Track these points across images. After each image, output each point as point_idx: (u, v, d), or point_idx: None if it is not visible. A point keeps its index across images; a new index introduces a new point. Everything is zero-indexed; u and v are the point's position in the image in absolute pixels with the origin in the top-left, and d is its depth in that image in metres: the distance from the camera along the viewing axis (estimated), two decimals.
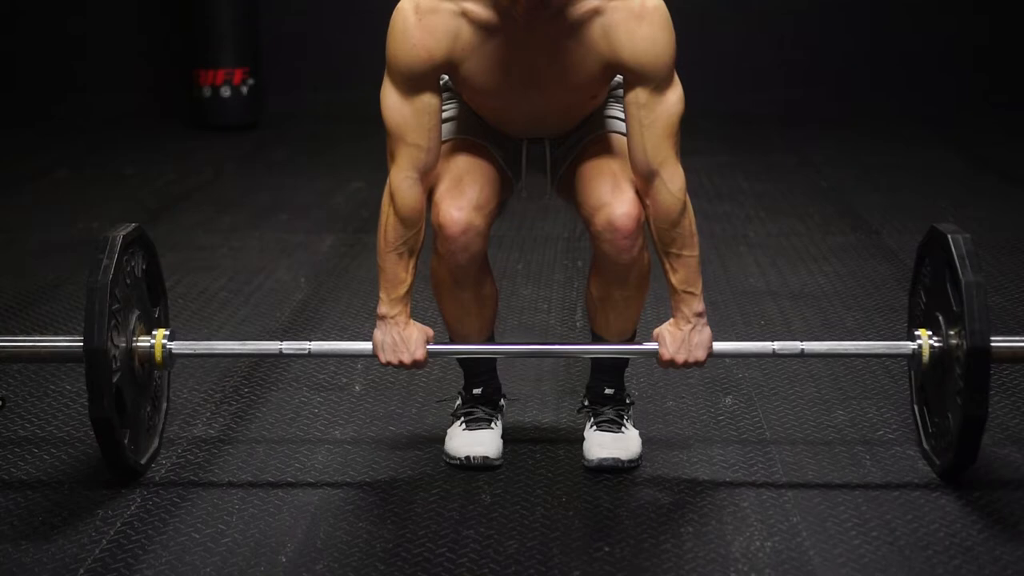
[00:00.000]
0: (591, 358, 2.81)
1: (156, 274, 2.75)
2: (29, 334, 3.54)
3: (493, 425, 2.75)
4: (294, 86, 7.46)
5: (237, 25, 6.94)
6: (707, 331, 2.57)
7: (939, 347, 2.58)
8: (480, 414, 2.76)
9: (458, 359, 2.86)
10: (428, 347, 2.57)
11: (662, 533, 2.42)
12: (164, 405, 2.78)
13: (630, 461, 2.67)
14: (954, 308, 2.50)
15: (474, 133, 2.63)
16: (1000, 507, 2.51)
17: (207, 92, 6.94)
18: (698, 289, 2.54)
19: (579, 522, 2.47)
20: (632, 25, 2.40)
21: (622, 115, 2.56)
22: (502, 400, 2.83)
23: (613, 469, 2.66)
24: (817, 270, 4.24)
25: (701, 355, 2.57)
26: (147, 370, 2.64)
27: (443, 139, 2.56)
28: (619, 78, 2.52)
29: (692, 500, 2.57)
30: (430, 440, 2.83)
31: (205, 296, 3.99)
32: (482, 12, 2.40)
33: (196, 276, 4.19)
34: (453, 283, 2.60)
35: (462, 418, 2.76)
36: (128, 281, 2.58)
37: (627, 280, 2.57)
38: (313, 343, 2.67)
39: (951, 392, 2.53)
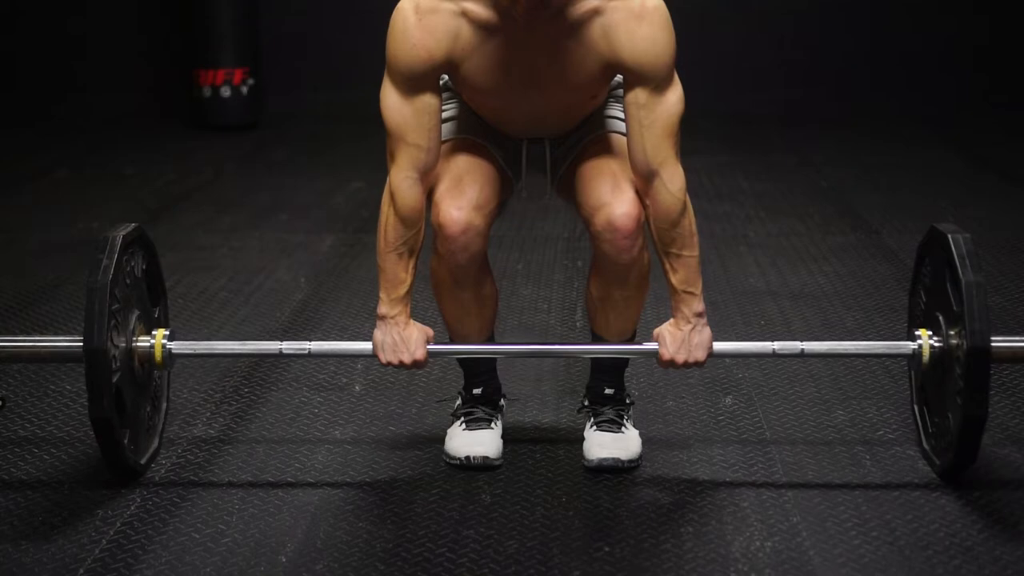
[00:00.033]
0: (591, 358, 2.81)
1: (156, 274, 2.75)
2: (29, 334, 3.54)
3: (493, 425, 2.75)
4: (294, 86, 7.46)
5: (237, 25, 6.94)
6: (707, 331, 2.57)
7: (939, 347, 2.58)
8: (480, 414, 2.76)
9: (458, 359, 2.86)
10: (428, 347, 2.57)
11: (662, 533, 2.42)
12: (164, 405, 2.78)
13: (630, 461, 2.67)
14: (954, 308, 2.50)
15: (474, 133, 2.63)
16: (1000, 507, 2.51)
17: (207, 92, 6.95)
18: (698, 289, 2.54)
19: (579, 522, 2.47)
20: (632, 25, 2.40)
21: (622, 115, 2.56)
22: (502, 400, 2.83)
23: (613, 469, 2.66)
24: (817, 270, 4.24)
25: (701, 355, 2.57)
26: (147, 370, 2.64)
27: (443, 139, 2.56)
28: (619, 78, 2.52)
29: (692, 500, 2.57)
30: (430, 440, 2.83)
31: (205, 296, 3.99)
32: (482, 12, 2.40)
33: (196, 276, 4.19)
34: (453, 283, 2.60)
35: (462, 418, 2.76)
36: (128, 281, 2.58)
37: (627, 280, 2.57)
38: (313, 343, 2.67)
39: (951, 392, 2.53)
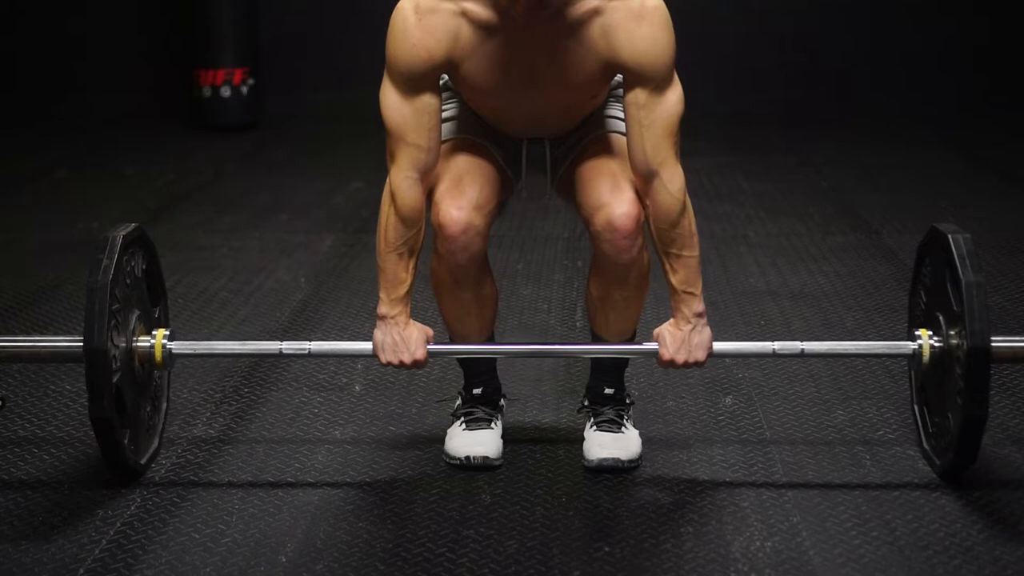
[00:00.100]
0: (591, 358, 2.81)
1: (156, 274, 2.75)
2: (29, 334, 3.54)
3: (493, 425, 2.75)
4: (294, 86, 7.46)
5: (237, 25, 6.94)
6: (707, 331, 2.57)
7: (939, 347, 2.58)
8: (480, 414, 2.76)
9: (458, 359, 2.86)
10: (428, 347, 2.57)
11: (662, 533, 2.42)
12: (164, 405, 2.78)
13: (630, 461, 2.67)
14: (954, 308, 2.50)
15: (474, 133, 2.63)
16: (1000, 507, 2.51)
17: (207, 92, 6.95)
18: (698, 289, 2.54)
19: (579, 522, 2.47)
20: (632, 25, 2.40)
21: (622, 115, 2.56)
22: (502, 400, 2.83)
23: (613, 469, 2.66)
24: (817, 270, 4.25)
25: (701, 355, 2.57)
26: (147, 370, 2.64)
27: (443, 139, 2.56)
28: (619, 78, 2.52)
29: (692, 500, 2.57)
30: (430, 440, 2.83)
31: (205, 296, 3.99)
32: (482, 12, 2.40)
33: (196, 276, 4.19)
34: (453, 283, 2.60)
35: (462, 418, 2.76)
36: (128, 281, 2.58)
37: (627, 280, 2.57)
38: (313, 343, 2.67)
39: (951, 392, 2.53)
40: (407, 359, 2.56)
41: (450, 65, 2.46)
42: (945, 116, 7.16)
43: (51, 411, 3.01)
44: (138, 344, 2.60)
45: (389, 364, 2.57)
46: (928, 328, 2.63)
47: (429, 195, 2.54)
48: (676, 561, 2.32)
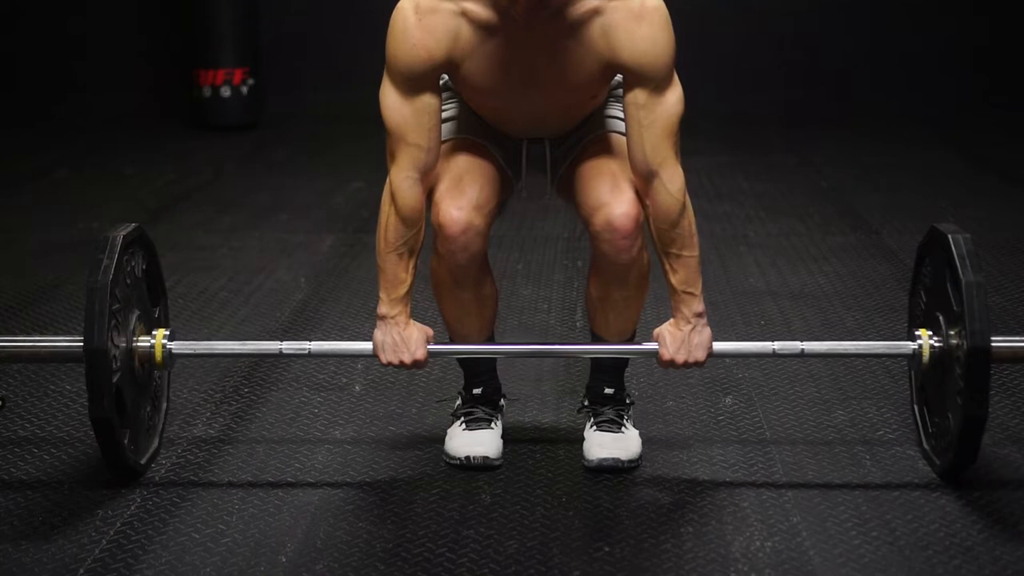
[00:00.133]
0: (591, 358, 2.81)
1: (156, 274, 2.75)
2: (29, 334, 3.54)
3: (493, 425, 2.75)
4: (294, 86, 7.46)
5: (237, 25, 6.94)
6: (707, 331, 2.57)
7: (939, 347, 2.58)
8: (480, 414, 2.76)
9: (458, 359, 2.86)
10: (428, 347, 2.57)
11: (662, 533, 2.42)
12: (164, 405, 2.78)
13: (630, 461, 2.67)
14: (954, 308, 2.50)
15: (474, 133, 2.63)
16: (1000, 507, 2.51)
17: (207, 92, 6.95)
18: (698, 289, 2.54)
19: (579, 522, 2.47)
20: (632, 25, 2.40)
21: (622, 115, 2.56)
22: (502, 400, 2.83)
23: (613, 469, 2.66)
24: (817, 270, 4.25)
25: (701, 355, 2.57)
26: (147, 370, 2.64)
27: (443, 139, 2.56)
28: (619, 78, 2.52)
29: (692, 500, 2.57)
30: (430, 440, 2.83)
31: (205, 296, 3.99)
32: (482, 12, 2.40)
33: (196, 276, 4.19)
34: (453, 283, 2.60)
35: (462, 418, 2.76)
36: (128, 281, 2.58)
37: (626, 280, 2.57)
38: (313, 343, 2.67)
39: (951, 392, 2.53)
40: (407, 359, 2.56)
41: (450, 65, 2.46)
42: (945, 116, 7.16)
43: (51, 411, 3.01)
44: (138, 344, 2.60)
45: (389, 364, 2.57)
46: (928, 328, 2.63)
47: (429, 195, 2.54)
48: (676, 561, 2.32)
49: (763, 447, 2.81)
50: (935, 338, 2.59)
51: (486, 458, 2.68)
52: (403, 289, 2.54)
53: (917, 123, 7.07)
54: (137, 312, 2.61)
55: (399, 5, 2.44)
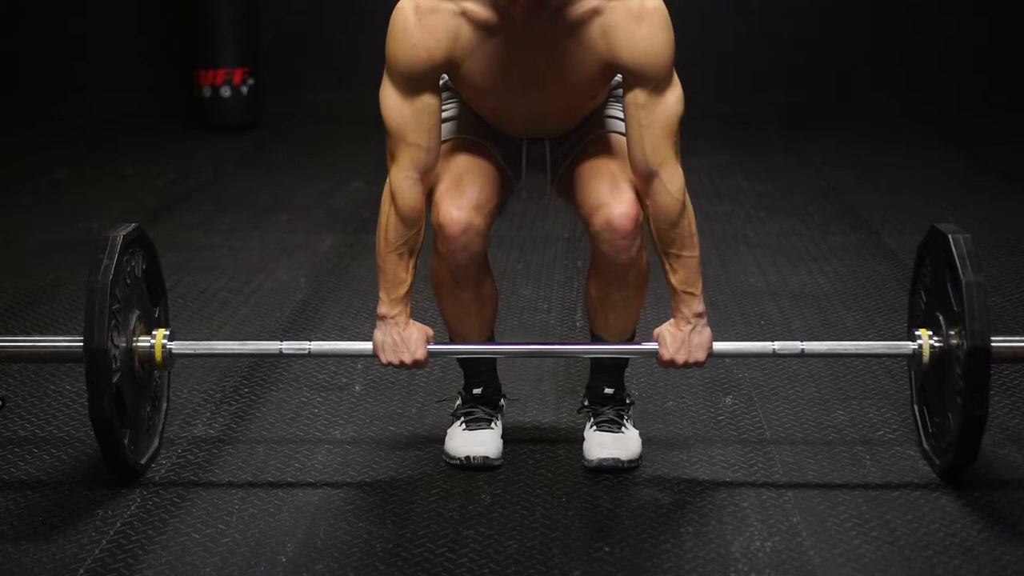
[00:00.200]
0: (591, 358, 2.81)
1: (156, 274, 2.75)
2: (29, 334, 3.54)
3: (493, 425, 2.75)
4: (294, 86, 7.46)
5: (237, 25, 6.94)
6: (707, 331, 2.57)
7: (939, 347, 2.58)
8: (480, 414, 2.76)
9: (458, 359, 2.86)
10: (428, 347, 2.57)
11: (662, 533, 2.42)
12: (164, 405, 2.78)
13: (630, 461, 2.67)
14: (954, 308, 2.50)
15: (474, 133, 2.63)
16: (1000, 507, 2.51)
17: (207, 92, 6.95)
18: (698, 290, 2.54)
19: (579, 522, 2.47)
20: (631, 25, 2.40)
21: (622, 115, 2.56)
22: (502, 400, 2.83)
23: (613, 469, 2.66)
24: (817, 270, 4.25)
25: (701, 356, 2.57)
26: (147, 370, 2.64)
27: (443, 139, 2.56)
28: (619, 78, 2.52)
29: (692, 500, 2.57)
30: (430, 440, 2.83)
31: (205, 296, 3.99)
32: (481, 12, 2.40)
33: (196, 276, 4.19)
34: (453, 283, 2.60)
35: (462, 418, 2.76)
36: (128, 281, 2.58)
37: (626, 280, 2.57)
38: (313, 343, 2.67)
39: (951, 392, 2.53)
40: (407, 359, 2.56)
41: (450, 65, 2.46)
42: (945, 116, 7.16)
43: (51, 411, 3.01)
44: (138, 344, 2.60)
45: (389, 364, 2.57)
46: (928, 328, 2.63)
47: (429, 195, 2.54)
48: (676, 561, 2.32)
49: (763, 447, 2.81)
50: (935, 338, 2.59)
51: (486, 458, 2.68)
52: (403, 289, 2.54)
53: (917, 123, 7.07)
54: (137, 312, 2.61)
55: (399, 5, 2.44)
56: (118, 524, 2.44)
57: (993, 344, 2.43)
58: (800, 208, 5.19)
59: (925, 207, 5.16)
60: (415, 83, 2.45)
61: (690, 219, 2.51)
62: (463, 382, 2.82)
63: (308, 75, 7.49)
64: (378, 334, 2.57)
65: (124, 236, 2.54)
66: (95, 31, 7.50)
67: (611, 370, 2.76)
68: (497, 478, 2.65)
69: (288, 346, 2.68)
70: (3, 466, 2.71)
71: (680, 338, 2.56)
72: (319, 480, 2.66)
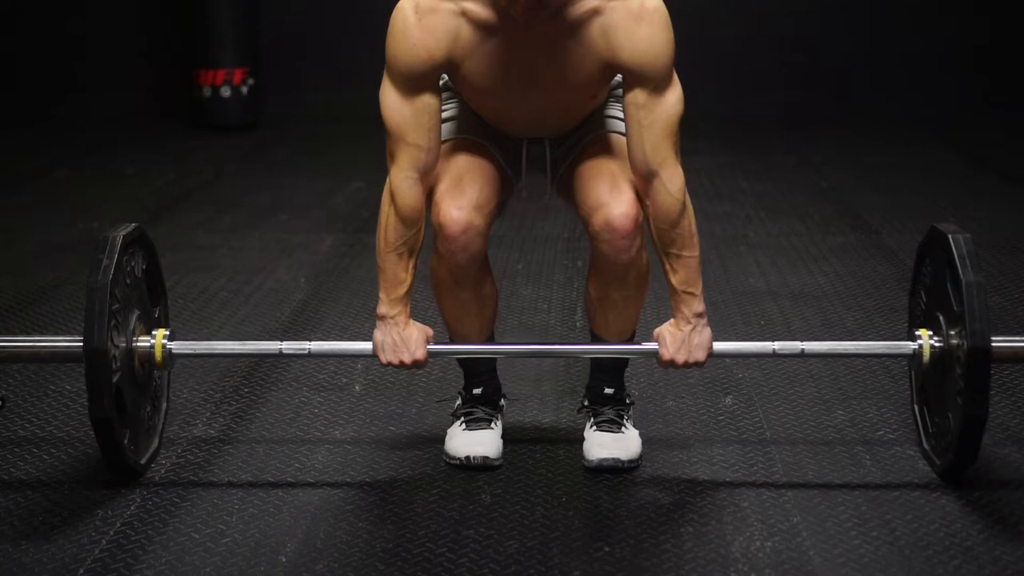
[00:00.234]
0: (591, 358, 2.81)
1: (156, 274, 2.75)
2: (29, 334, 3.54)
3: (493, 425, 2.75)
4: (294, 86, 7.46)
5: (237, 25, 6.94)
6: (707, 332, 2.57)
7: (939, 347, 2.58)
8: (480, 414, 2.76)
9: (458, 359, 2.86)
10: (428, 347, 2.57)
11: (662, 533, 2.42)
12: (164, 405, 2.78)
13: (630, 461, 2.67)
14: (954, 308, 2.50)
15: (474, 133, 2.63)
16: (1000, 507, 2.51)
17: (207, 92, 6.95)
18: (698, 290, 2.54)
19: (579, 522, 2.47)
20: (631, 25, 2.40)
21: (622, 115, 2.56)
22: (502, 400, 2.83)
23: (613, 469, 2.66)
24: (817, 270, 4.25)
25: (701, 356, 2.57)
26: (147, 370, 2.64)
27: (443, 139, 2.56)
28: (619, 78, 2.52)
29: (692, 500, 2.57)
30: (430, 440, 2.83)
31: (205, 296, 3.99)
32: (481, 12, 2.40)
33: (196, 276, 4.19)
34: (453, 283, 2.60)
35: (462, 418, 2.76)
36: (128, 281, 2.58)
37: (625, 280, 2.57)
38: (313, 343, 2.67)
39: (951, 392, 2.53)
40: (407, 359, 2.56)
41: (450, 65, 2.46)
42: (945, 116, 7.17)
43: (51, 411, 3.01)
44: (138, 344, 2.60)
45: (389, 364, 2.57)
46: (928, 328, 2.63)
47: (429, 195, 2.54)
48: (676, 561, 2.32)
49: (763, 447, 2.81)
50: (935, 338, 2.59)
51: (486, 458, 2.68)
52: (403, 289, 2.54)
53: (917, 123, 7.07)
54: (137, 312, 2.61)
55: (399, 5, 2.44)
56: (118, 524, 2.44)
57: (993, 344, 2.43)
58: (800, 208, 5.19)
59: (925, 207, 5.17)
60: (415, 83, 2.45)
61: (690, 219, 2.51)
62: (463, 382, 2.82)
63: (308, 75, 7.49)
64: (378, 334, 2.57)
65: (124, 236, 2.54)
66: (95, 31, 7.50)
67: (611, 370, 2.76)
68: (497, 478, 2.65)
69: (288, 346, 2.68)
70: (3, 466, 2.71)
71: (680, 338, 2.56)
72: (319, 480, 2.66)
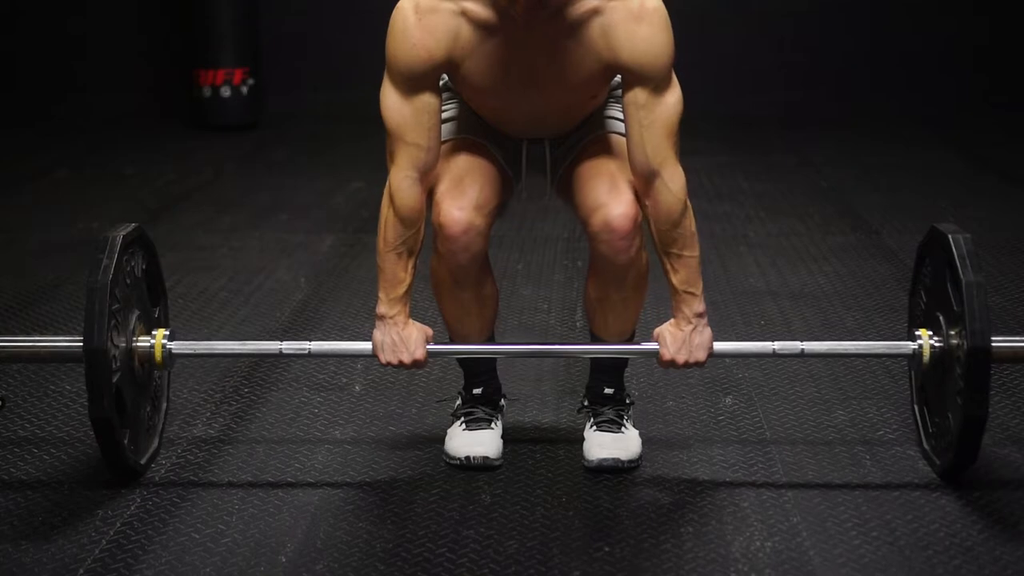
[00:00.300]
0: (591, 358, 2.81)
1: (156, 274, 2.75)
2: (29, 334, 3.54)
3: (493, 425, 2.75)
4: (294, 86, 7.46)
5: (237, 25, 6.94)
6: (708, 331, 2.57)
7: (939, 347, 2.58)
8: (480, 414, 2.76)
9: (458, 359, 2.86)
10: (428, 347, 2.57)
11: (662, 533, 2.42)
12: (164, 405, 2.78)
13: (630, 461, 2.67)
14: (954, 308, 2.50)
15: (474, 133, 2.63)
16: (1000, 507, 2.51)
17: (207, 92, 6.95)
18: (699, 289, 2.54)
19: (579, 522, 2.47)
20: (631, 26, 2.40)
21: (622, 116, 2.56)
22: (502, 400, 2.83)
23: (613, 469, 2.66)
24: (817, 270, 4.25)
25: (702, 356, 2.57)
26: (147, 370, 2.64)
27: (443, 139, 2.56)
28: (619, 78, 2.52)
29: (692, 500, 2.57)
30: (430, 440, 2.83)
31: (205, 296, 3.99)
32: (481, 11, 2.40)
33: (196, 276, 4.19)
34: (453, 283, 2.60)
35: (462, 418, 2.76)
36: (128, 281, 2.58)
37: (625, 281, 2.57)
38: (313, 343, 2.67)
39: (951, 392, 2.53)
40: (406, 359, 2.56)
41: (450, 65, 2.46)
42: (945, 116, 7.17)
43: (51, 411, 3.01)
44: (138, 344, 2.60)
45: (388, 364, 2.57)
46: (928, 328, 2.63)
47: (430, 195, 2.54)
48: (676, 561, 2.32)
49: (763, 447, 2.81)
50: (935, 338, 2.59)
51: (486, 458, 2.68)
52: (402, 289, 2.54)
53: (917, 123, 7.07)
54: (137, 312, 2.61)
55: (399, 5, 2.44)
56: (118, 524, 2.44)
57: (993, 344, 2.43)
58: (800, 208, 5.19)
59: (925, 207, 5.17)
60: (415, 83, 2.45)
61: (691, 218, 2.51)
62: (463, 382, 2.82)
63: (308, 75, 7.49)
64: (377, 334, 2.57)
65: (124, 236, 2.54)
66: (95, 31, 7.50)
67: (611, 370, 2.76)
68: (497, 478, 2.65)
69: (288, 346, 2.68)
70: (3, 466, 2.71)
71: (681, 338, 2.56)
72: (319, 480, 2.66)
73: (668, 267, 2.53)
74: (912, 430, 2.80)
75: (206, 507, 2.52)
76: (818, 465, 2.72)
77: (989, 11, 7.43)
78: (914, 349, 2.61)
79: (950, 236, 2.52)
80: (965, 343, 2.44)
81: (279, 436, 2.89)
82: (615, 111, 2.62)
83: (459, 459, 2.69)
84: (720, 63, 7.38)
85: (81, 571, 2.28)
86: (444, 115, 2.58)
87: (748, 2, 7.52)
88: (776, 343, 2.66)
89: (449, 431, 2.76)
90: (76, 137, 6.92)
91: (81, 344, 2.45)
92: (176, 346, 2.64)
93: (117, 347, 2.50)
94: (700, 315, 2.55)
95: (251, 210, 5.22)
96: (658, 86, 2.44)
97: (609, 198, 2.50)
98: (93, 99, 7.40)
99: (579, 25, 2.40)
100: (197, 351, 2.79)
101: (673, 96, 2.46)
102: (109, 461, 2.54)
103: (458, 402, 2.81)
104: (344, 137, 6.72)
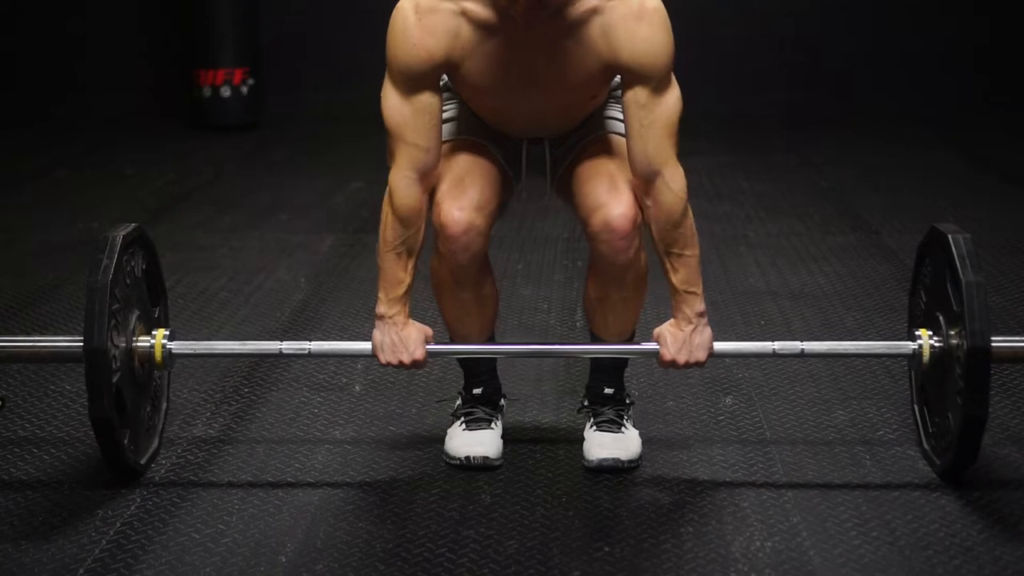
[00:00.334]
0: (590, 358, 2.81)
1: (156, 274, 2.75)
2: (29, 334, 3.54)
3: (493, 425, 2.75)
4: (294, 86, 7.46)
5: (237, 25, 6.94)
6: (708, 331, 2.57)
7: (939, 347, 2.58)
8: (480, 414, 2.76)
9: (458, 359, 2.86)
10: (428, 347, 2.57)
11: (662, 533, 2.42)
12: (164, 405, 2.78)
13: (630, 461, 2.67)
14: (954, 308, 2.50)
15: (474, 133, 2.63)
16: (1000, 507, 2.51)
17: (207, 92, 6.95)
18: (699, 289, 2.54)
19: (579, 522, 2.47)
20: (631, 25, 2.40)
21: (622, 116, 2.55)
22: (502, 400, 2.83)
23: (613, 469, 2.66)
24: (817, 270, 4.24)
25: (702, 356, 2.57)
26: (147, 370, 2.64)
27: (444, 139, 2.56)
28: (619, 78, 2.52)
29: (692, 500, 2.57)
30: (430, 440, 2.83)
31: (205, 296, 3.99)
32: (481, 11, 2.40)
33: (196, 276, 4.19)
34: (454, 283, 2.60)
35: (462, 418, 2.76)
36: (128, 281, 2.58)
37: (624, 281, 2.57)
38: (313, 343, 2.67)
39: (951, 392, 2.53)
40: (406, 359, 2.56)
41: (450, 65, 2.46)
42: (945, 116, 7.17)
43: (51, 411, 3.01)
44: (138, 344, 2.60)
45: (388, 364, 2.57)
46: (928, 328, 2.63)
47: (430, 195, 2.54)
48: (676, 561, 2.32)
49: (763, 447, 2.81)
50: (935, 338, 2.59)
51: (486, 458, 2.68)
52: (402, 289, 2.54)
53: (917, 123, 7.07)
54: (137, 312, 2.61)
55: (399, 5, 2.44)
56: (118, 524, 2.44)
57: (993, 344, 2.43)
58: (800, 208, 5.19)
59: (925, 207, 5.16)
60: (415, 83, 2.45)
61: (691, 218, 2.52)
62: (463, 382, 2.82)
63: (308, 75, 7.49)
64: (377, 334, 2.57)
65: (124, 236, 2.54)
66: (95, 31, 7.50)
67: (611, 370, 2.76)
68: (497, 478, 2.65)
69: (288, 346, 2.68)
70: (3, 466, 2.71)
71: (681, 338, 2.55)
72: (319, 480, 2.66)
73: (668, 267, 2.53)
74: (912, 430, 2.80)
75: (206, 507, 2.52)
76: (818, 465, 2.72)
77: (990, 11, 7.43)
78: (914, 349, 2.61)
79: (950, 236, 2.52)
80: (965, 343, 2.44)
81: (279, 436, 2.89)
82: (615, 111, 2.62)
83: (459, 459, 2.69)
84: (721, 63, 7.38)
85: (81, 571, 2.28)
86: (444, 115, 2.58)
87: (749, 2, 7.52)
88: (776, 343, 2.66)
89: (449, 431, 2.76)
90: (76, 137, 6.92)
91: (81, 344, 2.45)
92: (176, 346, 2.64)
93: (117, 347, 2.50)
94: (700, 315, 2.55)
95: (251, 210, 5.23)
96: (658, 86, 2.44)
97: (609, 198, 2.50)
98: (93, 99, 7.40)
99: (579, 25, 2.40)
100: (197, 351, 2.79)
101: (673, 96, 2.46)
102: (109, 461, 2.54)
103: (458, 402, 2.81)
104: (344, 137, 6.72)
